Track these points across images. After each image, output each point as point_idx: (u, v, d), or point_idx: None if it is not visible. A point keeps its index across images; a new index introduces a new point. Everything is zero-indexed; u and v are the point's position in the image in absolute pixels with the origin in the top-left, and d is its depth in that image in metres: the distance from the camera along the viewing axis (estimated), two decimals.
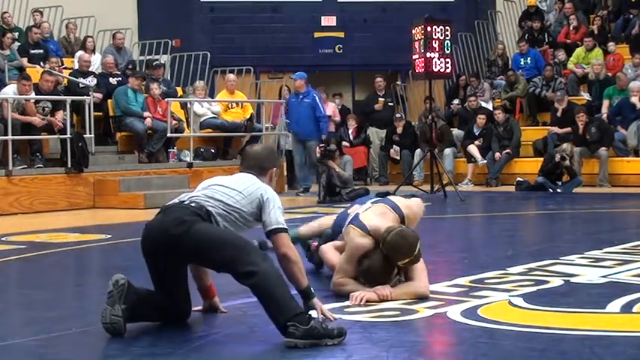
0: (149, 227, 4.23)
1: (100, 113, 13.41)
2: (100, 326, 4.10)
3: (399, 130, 15.83)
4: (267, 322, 3.94)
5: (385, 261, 4.87)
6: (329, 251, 5.39)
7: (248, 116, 14.40)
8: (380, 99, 16.47)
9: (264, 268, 3.92)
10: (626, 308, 4.55)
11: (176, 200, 4.33)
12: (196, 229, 4.07)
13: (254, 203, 4.24)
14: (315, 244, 5.96)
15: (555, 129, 14.77)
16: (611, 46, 16.36)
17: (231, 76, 14.92)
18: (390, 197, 5.50)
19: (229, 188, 4.30)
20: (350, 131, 16.09)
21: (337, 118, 16.36)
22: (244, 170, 4.49)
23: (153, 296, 4.28)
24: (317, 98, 13.39)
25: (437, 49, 12.29)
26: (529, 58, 17.06)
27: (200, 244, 4.05)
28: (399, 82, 18.21)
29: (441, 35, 12.30)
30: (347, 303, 4.71)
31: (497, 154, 14.86)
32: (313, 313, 4.09)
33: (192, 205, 4.21)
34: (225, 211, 4.22)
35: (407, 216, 5.24)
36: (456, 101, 16.57)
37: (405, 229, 4.94)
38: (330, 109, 16.20)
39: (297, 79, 13.48)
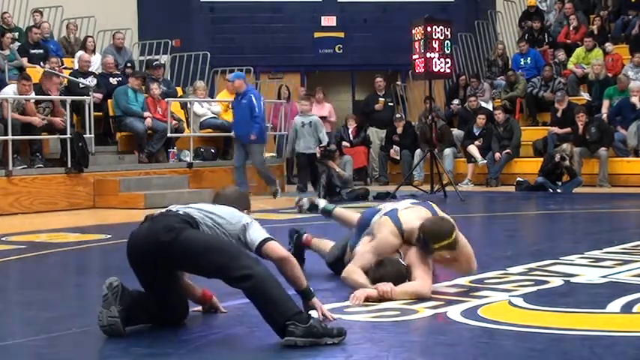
0: (136, 236, 4.20)
1: (100, 113, 13.41)
2: None
3: (399, 130, 15.83)
4: None
5: (399, 272, 4.89)
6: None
7: None
8: (380, 99, 16.47)
9: (259, 270, 3.91)
10: (626, 308, 4.55)
11: (163, 210, 4.32)
12: (186, 235, 4.06)
13: (237, 225, 4.22)
14: (309, 236, 5.93)
15: (555, 129, 14.77)
16: (608, 46, 16.35)
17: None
18: (432, 203, 5.45)
19: (219, 212, 4.29)
20: (350, 131, 16.09)
21: (333, 119, 16.33)
22: None
23: (147, 298, 4.27)
24: (254, 98, 12.55)
25: (437, 49, 12.28)
26: (529, 58, 17.07)
27: (190, 250, 4.04)
28: (399, 82, 18.20)
29: (441, 35, 12.30)
30: (347, 303, 4.71)
31: (497, 154, 14.86)
32: (313, 313, 4.09)
33: (181, 213, 4.20)
34: (212, 224, 4.20)
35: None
36: (455, 101, 16.57)
37: (444, 217, 5.05)
38: (327, 109, 16.18)
39: (235, 79, 12.88)
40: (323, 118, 15.98)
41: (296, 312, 3.85)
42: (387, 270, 4.87)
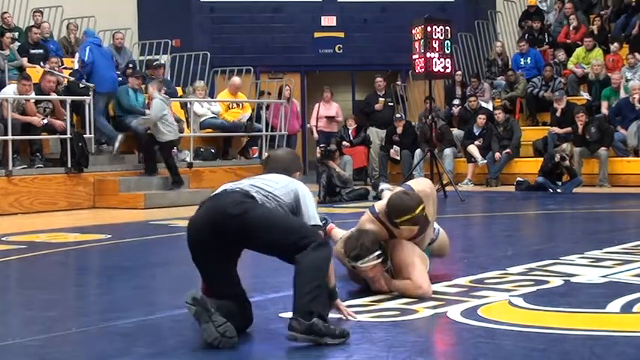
0: (197, 218, 4.12)
1: None
2: (100, 326, 4.10)
3: (399, 130, 15.82)
4: (268, 322, 3.94)
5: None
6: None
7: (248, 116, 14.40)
8: (380, 99, 16.45)
9: (308, 258, 3.89)
10: (626, 308, 4.55)
11: (218, 190, 4.26)
12: (258, 209, 4.03)
13: (291, 194, 4.22)
14: (332, 225, 5.91)
15: (555, 129, 14.77)
16: (614, 46, 16.34)
17: (237, 80, 14.81)
18: (409, 184, 5.54)
19: (267, 180, 4.29)
20: (350, 131, 16.08)
21: (340, 119, 16.31)
22: (269, 173, 4.46)
23: (224, 304, 4.07)
24: (81, 48, 13.26)
25: (437, 49, 12.27)
26: (529, 58, 17.06)
27: (263, 222, 3.99)
28: (399, 82, 18.19)
29: (441, 35, 12.29)
30: (348, 303, 4.70)
31: (497, 154, 14.86)
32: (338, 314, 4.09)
33: (238, 189, 4.17)
34: (265, 197, 4.17)
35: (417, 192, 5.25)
36: (456, 102, 16.55)
37: (410, 192, 5.03)
38: (334, 109, 16.17)
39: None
40: (331, 117, 16.03)
41: (307, 311, 3.81)
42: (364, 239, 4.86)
